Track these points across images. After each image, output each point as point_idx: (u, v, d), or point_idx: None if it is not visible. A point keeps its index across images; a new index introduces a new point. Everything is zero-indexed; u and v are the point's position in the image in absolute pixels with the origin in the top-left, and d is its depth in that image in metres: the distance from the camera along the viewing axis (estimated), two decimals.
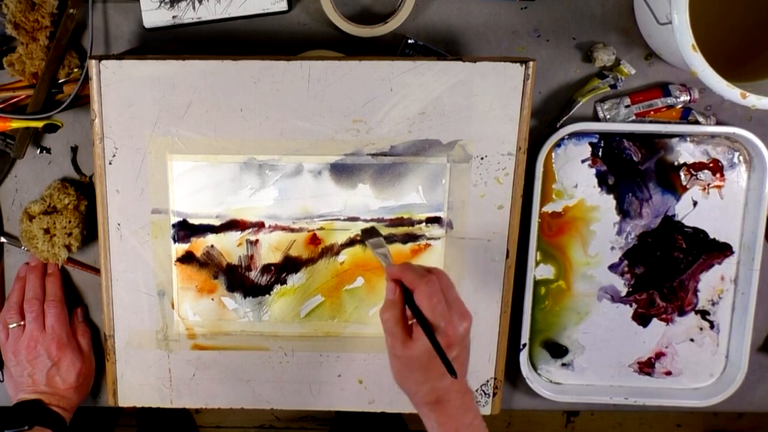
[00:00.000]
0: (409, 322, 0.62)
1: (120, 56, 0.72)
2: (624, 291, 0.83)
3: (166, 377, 0.80)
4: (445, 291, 0.62)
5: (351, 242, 0.77)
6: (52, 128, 0.77)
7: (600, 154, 0.80)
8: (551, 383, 0.86)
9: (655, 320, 0.84)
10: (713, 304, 0.84)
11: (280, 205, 0.76)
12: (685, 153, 0.80)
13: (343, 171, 0.75)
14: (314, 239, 0.77)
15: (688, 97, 0.79)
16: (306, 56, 0.76)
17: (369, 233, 0.74)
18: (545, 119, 0.81)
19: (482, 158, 0.74)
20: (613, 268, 0.83)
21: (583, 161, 0.80)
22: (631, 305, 0.84)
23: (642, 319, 0.84)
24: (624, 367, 0.85)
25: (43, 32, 0.75)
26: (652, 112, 0.80)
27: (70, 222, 0.78)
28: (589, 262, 0.83)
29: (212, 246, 0.77)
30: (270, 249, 0.77)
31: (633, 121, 0.80)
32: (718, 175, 0.81)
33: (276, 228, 0.76)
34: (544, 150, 0.78)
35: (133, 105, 0.72)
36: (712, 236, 0.82)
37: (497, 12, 0.78)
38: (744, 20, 0.76)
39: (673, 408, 0.86)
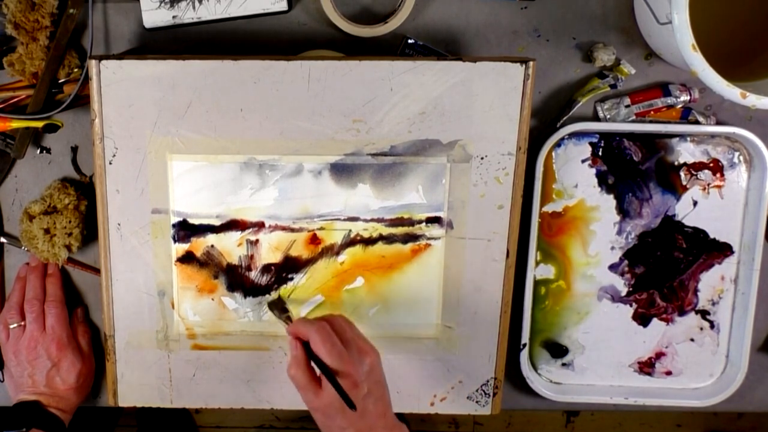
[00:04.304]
0: (318, 374, 0.64)
1: (120, 56, 0.72)
2: (624, 291, 0.83)
3: (166, 377, 0.80)
4: (340, 333, 0.64)
5: (351, 242, 0.77)
6: (52, 128, 0.77)
7: (600, 153, 0.80)
8: (551, 383, 0.86)
9: (655, 320, 0.84)
10: (713, 304, 0.84)
11: (280, 205, 0.76)
12: (685, 153, 0.80)
13: (343, 171, 0.75)
14: (314, 239, 0.77)
15: (688, 97, 0.79)
16: (306, 56, 0.76)
17: (275, 305, 0.77)
18: (545, 119, 0.81)
19: (482, 158, 0.74)
20: (613, 268, 0.83)
21: (583, 161, 0.80)
22: (631, 305, 0.84)
23: (642, 319, 0.84)
24: (624, 367, 0.85)
25: (43, 32, 0.75)
26: (652, 112, 0.80)
27: (70, 222, 0.78)
28: (589, 262, 0.83)
29: (212, 246, 0.77)
30: (270, 249, 0.77)
31: (633, 121, 0.80)
32: (718, 175, 0.81)
33: (276, 228, 0.76)
34: (544, 150, 0.78)
35: (133, 105, 0.72)
36: (712, 236, 0.82)
37: (497, 12, 0.78)
38: (744, 20, 0.76)
39: (673, 408, 0.86)
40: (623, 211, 0.82)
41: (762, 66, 0.74)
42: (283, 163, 0.75)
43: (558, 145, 0.80)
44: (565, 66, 0.80)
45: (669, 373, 0.85)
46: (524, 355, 0.83)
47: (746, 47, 0.76)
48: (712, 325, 0.84)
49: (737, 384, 0.83)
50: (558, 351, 0.85)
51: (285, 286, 0.78)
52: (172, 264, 0.77)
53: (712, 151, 0.80)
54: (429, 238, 0.77)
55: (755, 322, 0.82)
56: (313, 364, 0.64)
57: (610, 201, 0.81)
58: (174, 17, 0.76)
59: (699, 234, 0.82)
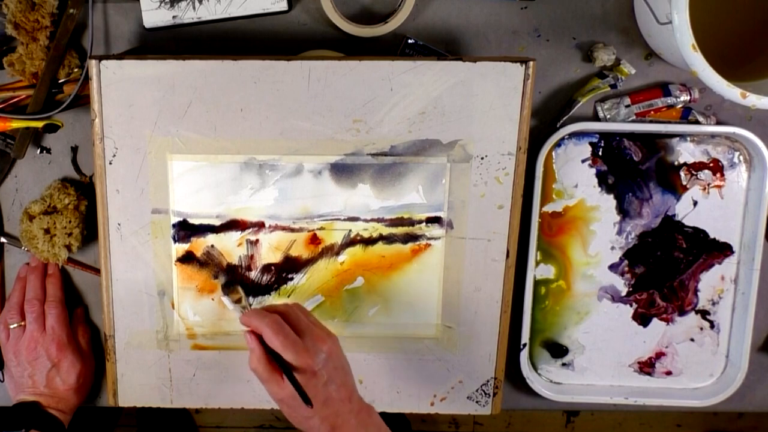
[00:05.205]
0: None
1: (120, 56, 0.72)
2: (624, 291, 0.83)
3: (166, 377, 0.80)
4: (294, 323, 0.64)
5: (351, 242, 0.77)
6: (52, 128, 0.77)
7: (600, 153, 0.80)
8: (551, 383, 0.86)
9: (655, 320, 0.84)
10: (713, 303, 0.84)
11: (280, 205, 0.76)
12: (686, 153, 0.80)
13: (343, 171, 0.75)
14: (314, 239, 0.77)
15: (688, 97, 0.79)
16: (306, 56, 0.76)
17: (229, 288, 0.77)
18: (545, 119, 0.81)
19: (482, 158, 0.74)
20: (613, 267, 0.83)
21: (583, 161, 0.81)
22: (631, 305, 0.84)
23: (642, 318, 0.84)
24: (624, 367, 0.85)
25: (43, 32, 0.75)
26: (652, 112, 0.80)
27: (70, 222, 0.78)
28: (589, 262, 0.83)
29: (212, 246, 0.77)
30: (270, 249, 0.77)
31: (633, 121, 0.80)
32: (718, 175, 0.81)
33: (276, 228, 0.76)
34: (544, 150, 0.78)
35: (133, 105, 0.72)
36: (712, 236, 0.82)
37: (497, 12, 0.78)
38: (744, 20, 0.76)
39: (673, 408, 0.86)
40: (623, 211, 0.82)
41: (762, 66, 0.74)
42: (283, 163, 0.75)
43: (558, 145, 0.80)
44: (565, 66, 0.80)
45: (669, 373, 0.85)
46: (524, 355, 0.83)
47: (746, 47, 0.76)
48: (712, 325, 0.84)
49: (737, 384, 0.83)
50: (558, 351, 0.85)
51: (285, 286, 0.78)
52: (172, 264, 0.77)
53: (712, 151, 0.80)
54: (429, 238, 0.77)
55: (755, 322, 0.82)
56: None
57: (610, 201, 0.81)
58: (174, 17, 0.76)
59: (699, 234, 0.82)
